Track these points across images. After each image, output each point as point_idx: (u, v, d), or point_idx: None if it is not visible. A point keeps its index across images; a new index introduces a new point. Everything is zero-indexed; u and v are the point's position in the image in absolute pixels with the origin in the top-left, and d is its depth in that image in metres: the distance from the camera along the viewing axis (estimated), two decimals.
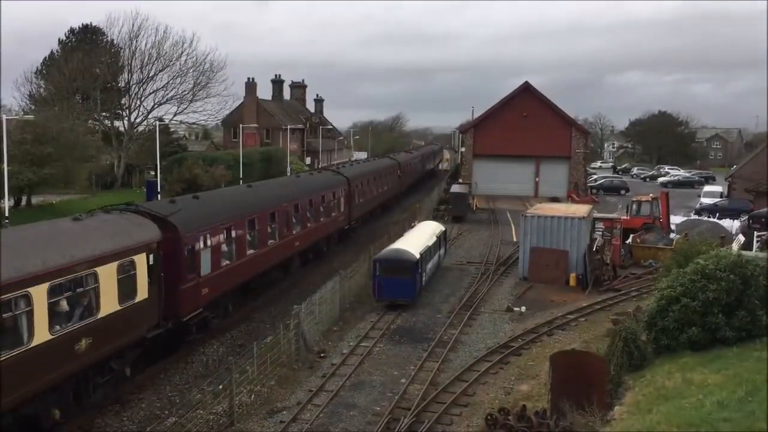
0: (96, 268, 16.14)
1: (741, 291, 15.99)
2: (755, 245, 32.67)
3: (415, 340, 23.02)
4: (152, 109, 71.61)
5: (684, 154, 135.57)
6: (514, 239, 40.47)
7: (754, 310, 15.81)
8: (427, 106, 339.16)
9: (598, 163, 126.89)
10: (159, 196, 43.55)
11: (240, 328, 25.02)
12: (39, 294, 14.27)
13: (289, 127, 78.63)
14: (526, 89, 68.26)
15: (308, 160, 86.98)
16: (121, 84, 72.17)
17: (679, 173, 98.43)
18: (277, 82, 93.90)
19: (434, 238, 31.31)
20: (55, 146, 47.16)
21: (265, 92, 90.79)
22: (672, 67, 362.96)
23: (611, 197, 70.13)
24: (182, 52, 71.24)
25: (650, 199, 42.79)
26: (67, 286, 15.25)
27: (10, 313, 13.66)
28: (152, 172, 57.89)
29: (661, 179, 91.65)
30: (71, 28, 76.75)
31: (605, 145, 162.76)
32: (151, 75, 70.56)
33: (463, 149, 76.56)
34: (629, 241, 36.75)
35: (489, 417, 15.60)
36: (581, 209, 35.14)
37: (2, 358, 13.31)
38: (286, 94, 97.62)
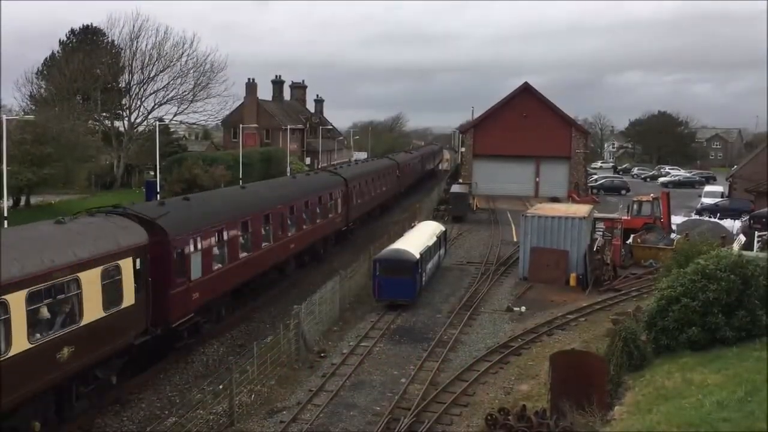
0: (78, 274, 15.53)
1: (741, 291, 16.00)
2: (756, 245, 32.64)
3: (415, 340, 23.02)
4: (152, 109, 71.81)
5: (684, 154, 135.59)
6: (514, 239, 40.47)
7: (754, 310, 15.82)
8: (427, 106, 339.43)
9: (599, 163, 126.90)
10: (159, 196, 43.52)
11: (240, 328, 25.03)
12: (17, 301, 13.69)
13: (289, 127, 78.62)
14: (526, 89, 68.28)
15: (308, 161, 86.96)
16: (122, 84, 72.23)
17: (679, 173, 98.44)
18: (277, 83, 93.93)
19: (434, 238, 31.32)
20: (55, 146, 47.19)
21: (265, 92, 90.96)
22: (672, 67, 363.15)
23: (612, 197, 70.17)
24: (183, 53, 71.39)
25: (651, 199, 42.78)
26: (47, 293, 14.64)
27: None
28: (152, 173, 57.92)
29: (661, 179, 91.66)
30: (72, 28, 76.86)
31: (605, 145, 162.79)
32: (151, 75, 70.71)
33: (463, 149, 76.56)
34: (630, 241, 36.74)
35: (489, 417, 15.60)
36: (581, 209, 35.13)
37: None
38: (286, 94, 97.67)
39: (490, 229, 46.83)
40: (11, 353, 13.54)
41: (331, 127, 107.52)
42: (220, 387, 18.09)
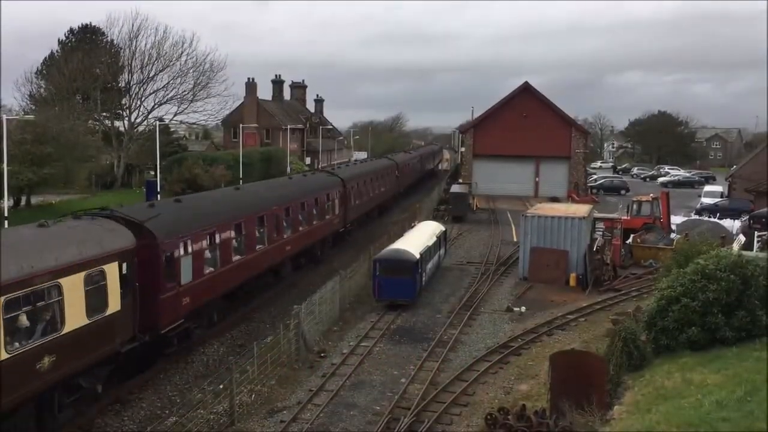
0: (60, 280, 14.94)
1: (741, 291, 16.02)
2: (756, 245, 32.66)
3: (415, 340, 23.04)
4: (152, 109, 71.71)
5: (684, 154, 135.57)
6: (514, 239, 40.48)
7: (753, 310, 15.83)
8: (427, 106, 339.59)
9: (598, 163, 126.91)
10: (159, 196, 43.54)
11: (240, 328, 25.03)
12: None
13: (289, 127, 78.64)
14: (526, 89, 68.30)
15: (308, 160, 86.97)
16: (122, 84, 72.19)
17: (679, 173, 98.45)
18: (277, 83, 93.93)
19: (434, 238, 31.33)
20: (55, 146, 47.16)
21: (265, 92, 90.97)
22: (672, 67, 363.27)
23: (611, 197, 70.17)
24: (182, 52, 71.28)
25: (651, 199, 42.80)
26: (26, 300, 14.04)
27: None
28: (152, 172, 57.91)
29: (661, 179, 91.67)
30: (71, 28, 76.76)
31: (605, 145, 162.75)
32: (151, 75, 70.61)
33: (463, 149, 76.55)
34: (630, 241, 36.76)
35: (489, 416, 15.62)
36: (581, 209, 35.15)
37: None
38: (286, 94, 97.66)
39: (490, 229, 46.84)
40: None
41: (331, 127, 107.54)
42: (221, 387, 18.10)
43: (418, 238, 30.08)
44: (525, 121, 66.08)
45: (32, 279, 14.24)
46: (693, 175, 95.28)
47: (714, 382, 13.30)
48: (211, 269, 22.54)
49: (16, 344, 13.87)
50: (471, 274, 33.17)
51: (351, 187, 41.10)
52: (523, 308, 26.85)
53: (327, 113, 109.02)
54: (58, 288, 14.97)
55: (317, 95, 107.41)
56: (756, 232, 35.54)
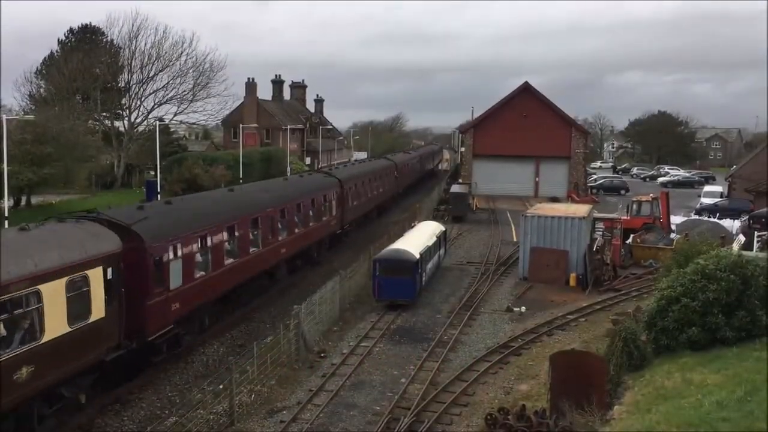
0: (39, 286, 14.35)
1: (741, 291, 16.01)
2: (756, 245, 32.67)
3: (415, 340, 23.04)
4: (152, 109, 71.71)
5: (684, 154, 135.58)
6: (514, 239, 40.48)
7: (754, 310, 15.83)
8: (427, 106, 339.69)
9: (598, 163, 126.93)
10: (159, 196, 43.56)
11: (240, 328, 25.03)
12: None
13: (289, 127, 78.64)
14: (526, 89, 68.30)
15: (308, 160, 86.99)
16: (121, 84, 72.20)
17: (679, 173, 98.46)
18: (277, 83, 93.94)
19: (434, 238, 31.33)
20: (55, 146, 47.17)
21: (265, 92, 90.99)
22: (672, 67, 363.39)
23: (611, 197, 70.16)
24: (182, 52, 71.30)
25: (650, 199, 42.80)
26: (2, 308, 13.55)
27: None
28: (152, 172, 57.92)
29: (661, 179, 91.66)
30: (71, 28, 76.80)
31: (605, 145, 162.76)
32: (151, 75, 70.61)
33: (462, 149, 76.56)
34: (629, 241, 36.76)
35: (489, 417, 15.62)
36: (581, 209, 35.15)
37: None
38: (286, 94, 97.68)
39: (490, 229, 46.85)
40: None
41: (331, 127, 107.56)
42: (221, 387, 18.10)
43: (418, 238, 30.08)
44: (525, 121, 66.08)
45: (9, 286, 13.66)
46: (693, 175, 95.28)
47: (714, 382, 13.29)
48: (203, 273, 21.87)
49: None
50: (471, 274, 33.17)
51: (348, 188, 40.48)
52: (523, 308, 26.85)
53: (327, 113, 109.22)
54: (38, 295, 14.37)
55: (317, 95, 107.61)
56: (756, 232, 35.55)
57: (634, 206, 42.82)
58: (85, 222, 17.61)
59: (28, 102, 68.79)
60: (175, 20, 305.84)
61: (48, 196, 52.27)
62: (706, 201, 57.85)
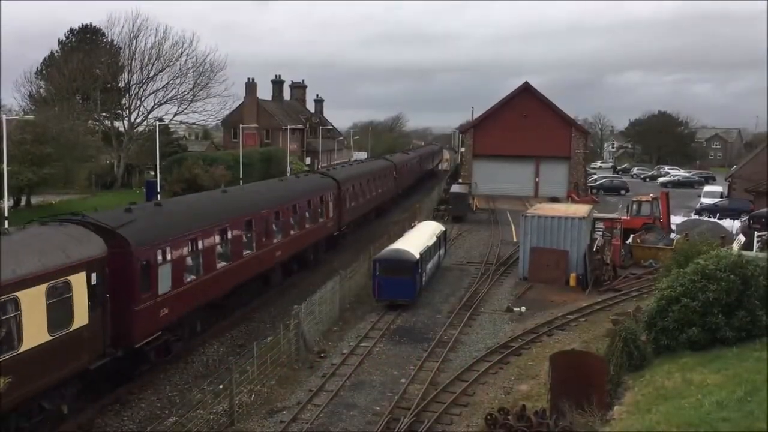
0: (17, 293, 13.79)
1: (741, 291, 16.01)
2: (756, 245, 32.67)
3: (415, 340, 23.04)
4: (152, 109, 71.67)
5: (684, 154, 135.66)
6: (514, 239, 40.49)
7: (754, 310, 15.83)
8: (427, 106, 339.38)
9: (598, 163, 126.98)
10: (159, 196, 43.55)
11: (240, 328, 25.03)
12: None
13: (289, 127, 78.64)
14: (526, 89, 68.33)
15: (308, 161, 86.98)
16: (121, 84, 72.21)
17: (679, 173, 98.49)
18: (277, 83, 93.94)
19: (434, 238, 31.34)
20: (55, 146, 47.17)
21: (265, 92, 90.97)
22: (672, 67, 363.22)
23: (611, 197, 70.19)
24: (182, 53, 71.24)
25: (650, 199, 42.82)
26: None
27: None
28: (152, 172, 57.93)
29: (661, 179, 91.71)
30: (71, 28, 76.83)
31: (605, 145, 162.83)
32: (151, 75, 70.57)
33: (462, 149, 76.58)
34: (629, 241, 36.77)
35: (489, 417, 15.62)
36: (581, 209, 35.16)
37: None
38: (286, 94, 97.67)
39: (490, 229, 46.86)
40: None
41: (331, 127, 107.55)
42: (220, 387, 18.10)
43: (418, 238, 30.09)
44: (525, 121, 66.10)
45: None
46: (693, 175, 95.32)
47: (714, 382, 13.29)
48: (193, 277, 21.33)
49: None
50: (471, 274, 33.17)
51: (346, 189, 39.86)
52: (523, 308, 26.85)
53: (327, 113, 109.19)
54: (15, 302, 13.84)
55: (317, 95, 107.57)
56: (756, 232, 35.55)
57: (634, 206, 42.83)
58: (69, 225, 17.06)
59: (28, 102, 68.83)
60: (175, 20, 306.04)
61: (48, 196, 52.27)
62: (706, 201, 57.87)
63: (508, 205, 57.88)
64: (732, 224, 43.90)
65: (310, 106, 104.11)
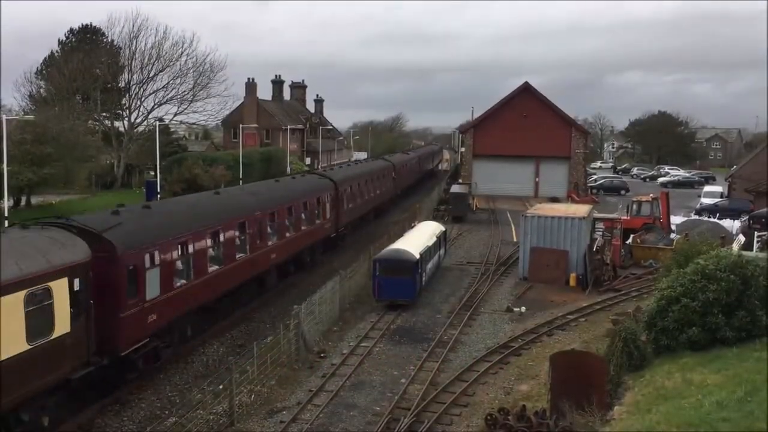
0: None
1: (741, 291, 16.01)
2: (756, 245, 32.67)
3: (415, 340, 23.04)
4: (152, 109, 71.71)
5: (684, 154, 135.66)
6: (514, 239, 40.49)
7: (754, 310, 15.83)
8: (427, 106, 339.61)
9: (598, 163, 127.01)
10: (159, 196, 43.55)
11: (240, 328, 25.03)
12: None
13: (289, 127, 78.69)
14: (526, 89, 68.33)
15: (308, 161, 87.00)
16: (121, 84, 72.24)
17: (679, 173, 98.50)
18: (277, 83, 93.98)
19: (434, 239, 31.33)
20: (55, 146, 47.19)
21: (265, 92, 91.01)
22: (672, 67, 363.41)
23: (611, 197, 70.19)
24: (182, 53, 71.29)
25: (650, 199, 42.81)
26: None
27: None
28: (152, 173, 57.95)
29: (661, 179, 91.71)
30: (71, 28, 76.88)
31: (605, 145, 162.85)
32: (151, 75, 70.62)
33: (462, 149, 76.56)
34: (629, 241, 36.77)
35: (489, 417, 15.62)
36: (581, 209, 35.16)
37: None
38: (286, 94, 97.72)
39: (490, 229, 46.85)
40: None
41: (331, 127, 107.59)
42: (220, 387, 18.10)
43: (418, 238, 30.08)
44: (525, 121, 66.10)
45: None
46: (693, 175, 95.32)
47: (714, 383, 13.29)
48: (183, 282, 20.73)
49: None
50: (471, 274, 33.17)
51: (344, 189, 39.34)
52: (523, 308, 26.85)
53: (327, 113, 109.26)
54: None
55: (317, 95, 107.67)
56: (756, 232, 35.55)
57: (634, 206, 42.82)
58: (52, 229, 16.45)
59: (28, 102, 68.86)
60: (175, 20, 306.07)
61: (48, 196, 52.29)
62: (706, 201, 57.87)
63: (508, 205, 57.87)
64: (732, 224, 43.90)
65: (310, 106, 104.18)
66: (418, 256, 27.02)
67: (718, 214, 50.73)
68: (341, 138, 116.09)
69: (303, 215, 32.10)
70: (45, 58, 73.97)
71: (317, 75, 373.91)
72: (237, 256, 24.66)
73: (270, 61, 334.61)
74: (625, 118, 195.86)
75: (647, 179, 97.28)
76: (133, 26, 70.36)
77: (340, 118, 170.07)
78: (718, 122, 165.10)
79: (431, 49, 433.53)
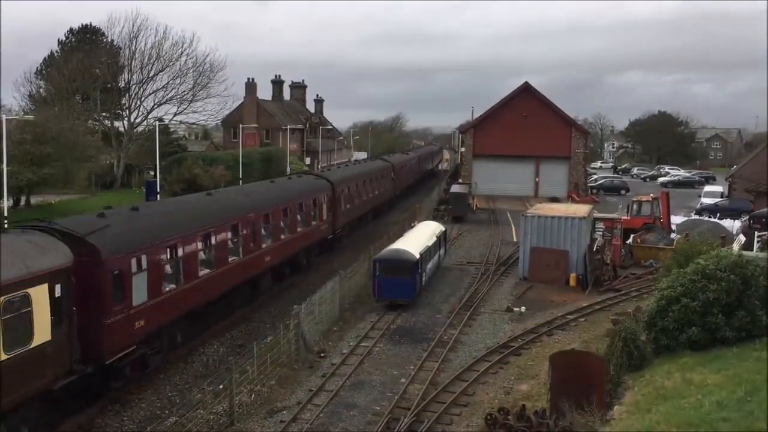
0: None
1: (741, 291, 16.02)
2: (756, 245, 32.66)
3: (415, 340, 23.04)
4: (152, 109, 71.66)
5: (684, 154, 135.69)
6: (514, 239, 40.49)
7: (754, 310, 15.84)
8: (427, 106, 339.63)
9: (598, 163, 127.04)
10: (159, 196, 43.54)
11: (240, 328, 25.03)
12: None
13: (289, 127, 78.65)
14: (526, 89, 68.34)
15: (308, 161, 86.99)
16: (121, 84, 72.22)
17: (679, 173, 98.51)
18: (277, 83, 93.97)
19: (434, 238, 31.33)
20: (55, 146, 47.20)
21: (265, 92, 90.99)
22: (672, 67, 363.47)
23: (611, 197, 70.20)
24: (182, 53, 71.24)
25: (651, 199, 42.82)
26: None
27: None
28: (152, 173, 57.93)
29: (661, 179, 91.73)
30: (71, 28, 76.86)
31: (605, 145, 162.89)
32: (151, 75, 70.59)
33: (462, 149, 76.56)
34: (630, 241, 36.77)
35: (489, 417, 15.62)
36: (581, 209, 35.16)
37: None
38: (286, 94, 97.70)
39: (490, 229, 46.85)
40: None
41: (331, 127, 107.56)
42: (220, 387, 18.10)
43: (418, 238, 30.08)
44: (525, 121, 66.11)
45: None
46: (693, 175, 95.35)
47: (714, 382, 13.29)
48: (173, 286, 20.18)
49: None
50: (471, 274, 33.17)
51: (341, 190, 38.88)
52: (523, 308, 26.85)
53: (327, 113, 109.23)
54: None
55: (317, 95, 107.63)
56: (756, 232, 35.54)
57: (635, 206, 42.83)
58: (33, 233, 15.81)
59: (28, 102, 68.83)
60: (175, 20, 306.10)
61: (48, 196, 52.29)
62: (707, 201, 57.87)
63: (508, 205, 57.87)
64: (732, 224, 43.89)
65: (310, 106, 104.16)
66: (418, 256, 27.02)
67: (718, 214, 50.71)
68: (341, 138, 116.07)
69: (299, 217, 31.69)
70: (45, 58, 74.07)
71: (317, 75, 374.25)
72: (229, 259, 24.13)
73: (270, 61, 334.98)
74: (625, 118, 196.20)
75: (647, 179, 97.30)
76: (133, 26, 70.41)
77: (340, 118, 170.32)
78: (718, 122, 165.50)
79: (431, 49, 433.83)
